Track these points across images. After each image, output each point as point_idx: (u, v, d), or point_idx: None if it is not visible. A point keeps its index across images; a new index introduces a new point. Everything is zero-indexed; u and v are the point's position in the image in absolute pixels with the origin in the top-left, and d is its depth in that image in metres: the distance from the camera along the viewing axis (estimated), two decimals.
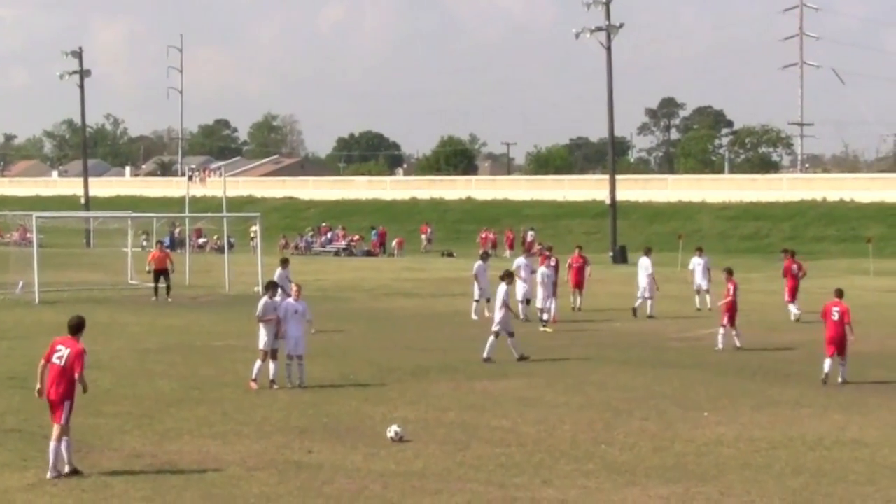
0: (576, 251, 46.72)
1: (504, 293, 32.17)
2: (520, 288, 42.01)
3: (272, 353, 26.97)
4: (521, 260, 44.61)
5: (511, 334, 31.94)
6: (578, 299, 45.42)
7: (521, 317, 41.34)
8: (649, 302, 43.72)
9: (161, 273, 49.89)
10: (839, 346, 28.59)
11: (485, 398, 25.54)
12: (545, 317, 39.71)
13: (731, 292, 34.39)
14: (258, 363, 26.86)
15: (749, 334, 35.50)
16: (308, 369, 27.26)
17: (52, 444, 18.26)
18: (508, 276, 33.28)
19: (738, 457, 19.98)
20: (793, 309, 42.16)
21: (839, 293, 29.67)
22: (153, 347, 33.93)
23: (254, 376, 26.77)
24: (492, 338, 31.74)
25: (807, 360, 32.17)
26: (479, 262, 43.34)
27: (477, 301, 42.76)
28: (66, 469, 18.34)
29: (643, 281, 44.15)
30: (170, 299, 48.90)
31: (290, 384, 26.75)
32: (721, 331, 34.24)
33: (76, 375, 18.32)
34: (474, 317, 42.23)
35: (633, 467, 19.18)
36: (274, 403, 24.70)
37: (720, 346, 34.05)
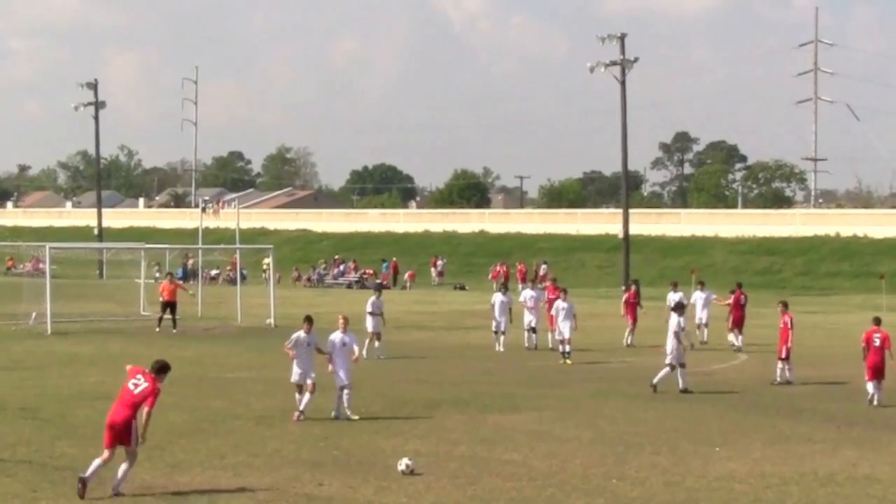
0: (632, 287, 47.42)
1: (676, 324, 32.71)
2: (526, 316, 43.86)
3: (311, 387, 26.83)
4: (528, 291, 45.36)
5: (682, 365, 32.56)
6: (631, 336, 45.97)
7: (528, 344, 43.59)
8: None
9: (169, 305, 50.08)
10: (880, 371, 30.45)
11: (496, 432, 25.50)
12: (567, 349, 39.75)
13: (789, 326, 34.59)
14: (297, 396, 26.87)
15: (763, 369, 35.44)
16: (319, 402, 27.21)
17: (125, 466, 18.97)
18: (680, 308, 33.85)
19: (750, 492, 19.91)
20: (732, 339, 44.26)
21: (878, 321, 31.49)
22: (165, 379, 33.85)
23: (301, 407, 26.78)
24: (666, 369, 32.42)
25: (818, 396, 32.18)
26: (497, 294, 43.99)
27: (495, 332, 43.54)
28: (113, 491, 18.96)
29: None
30: (174, 331, 48.95)
31: (343, 415, 26.72)
32: (780, 365, 34.50)
33: (146, 409, 18.95)
34: (500, 349, 43.15)
35: (645, 502, 19.12)
36: (285, 436, 24.68)
37: (778, 379, 34.36)
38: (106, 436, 18.98)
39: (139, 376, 19.30)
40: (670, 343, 32.67)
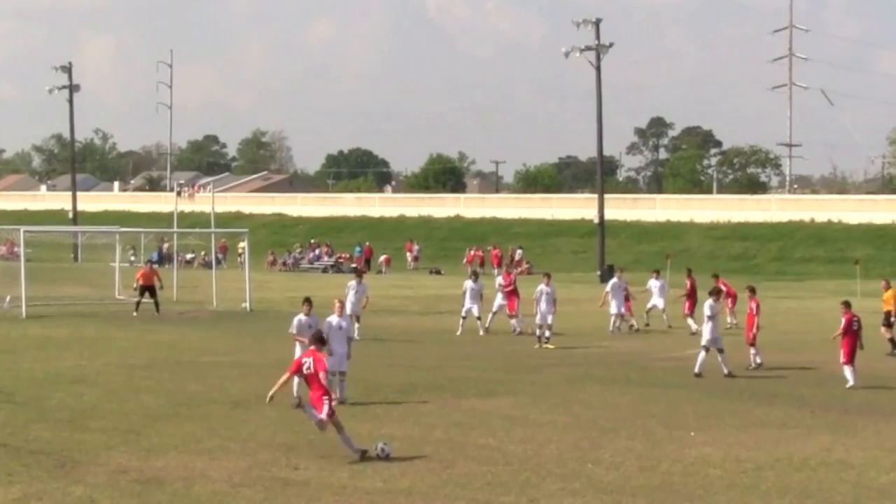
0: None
1: (710, 308, 33.18)
2: (497, 300, 44.69)
3: None
4: (501, 278, 45.90)
5: (721, 350, 32.94)
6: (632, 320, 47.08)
7: (489, 325, 44.11)
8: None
9: (147, 289, 50.15)
10: (855, 354, 31.22)
11: (471, 416, 25.52)
12: (547, 334, 40.02)
13: (755, 311, 34.80)
14: (296, 380, 26.74)
15: (736, 355, 35.57)
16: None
17: (340, 437, 20.84)
18: (717, 293, 34.29)
19: (725, 477, 19.97)
20: (691, 323, 44.82)
21: (849, 304, 32.17)
22: (140, 363, 33.86)
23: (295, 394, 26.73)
24: (702, 353, 32.82)
25: (792, 381, 32.30)
26: (468, 281, 44.28)
27: (463, 318, 43.87)
28: (356, 454, 20.69)
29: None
30: (157, 314, 49.07)
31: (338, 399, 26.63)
32: (752, 350, 34.62)
33: (321, 374, 20.84)
34: (480, 332, 43.68)
35: (620, 487, 19.16)
36: (261, 420, 24.66)
37: (753, 364, 34.64)
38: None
39: (305, 360, 21.31)
40: (707, 328, 33.02)
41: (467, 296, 43.89)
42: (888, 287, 40.92)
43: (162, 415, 25.12)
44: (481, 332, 43.34)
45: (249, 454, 21.09)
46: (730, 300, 46.44)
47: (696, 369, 32.64)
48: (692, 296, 45.87)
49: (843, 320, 31.66)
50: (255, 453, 21.17)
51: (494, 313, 44.68)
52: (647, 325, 47.51)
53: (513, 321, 44.41)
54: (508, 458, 21.12)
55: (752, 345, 34.71)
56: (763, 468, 20.69)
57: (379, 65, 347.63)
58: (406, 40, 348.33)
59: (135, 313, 49.40)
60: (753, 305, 35.07)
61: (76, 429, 23.04)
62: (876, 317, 39.66)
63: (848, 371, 31.24)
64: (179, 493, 18.29)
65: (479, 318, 43.75)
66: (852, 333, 31.38)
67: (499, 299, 44.70)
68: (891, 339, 39.13)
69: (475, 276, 45.67)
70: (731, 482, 19.64)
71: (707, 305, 33.54)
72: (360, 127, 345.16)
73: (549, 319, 40.14)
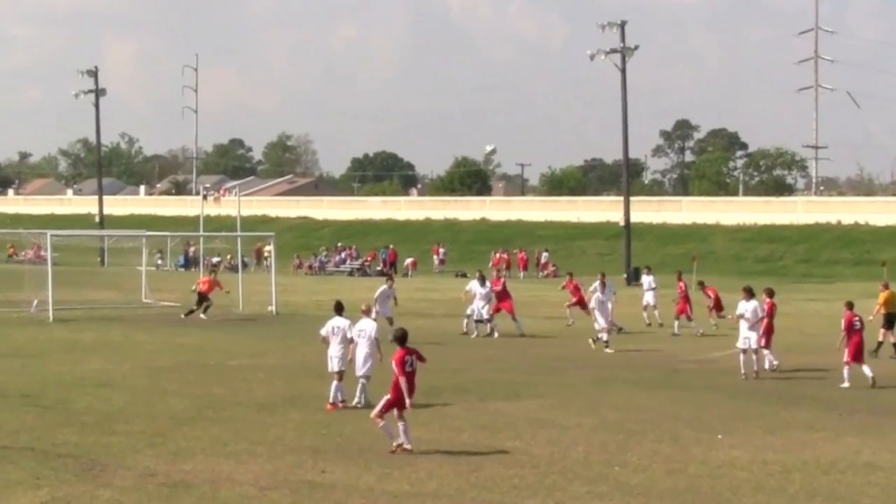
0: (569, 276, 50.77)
1: (740, 307, 33.54)
2: (476, 306, 45.09)
3: (340, 375, 26.78)
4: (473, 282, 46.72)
5: (754, 351, 33.24)
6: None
7: (473, 333, 44.56)
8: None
9: (204, 297, 50.53)
10: (862, 353, 31.63)
11: (498, 419, 25.50)
12: (605, 337, 39.93)
13: (768, 312, 34.66)
14: (335, 384, 26.74)
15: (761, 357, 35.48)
16: (319, 389, 27.25)
17: (402, 424, 21.48)
18: (749, 293, 34.17)
19: (752, 480, 19.90)
20: (686, 324, 45.76)
21: (852, 305, 32.51)
22: (166, 366, 33.94)
23: (331, 400, 26.68)
24: (741, 356, 33.09)
25: (820, 384, 32.17)
26: (474, 282, 45.73)
27: (468, 315, 45.27)
28: (407, 445, 21.45)
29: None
30: (185, 316, 49.37)
31: (360, 404, 26.52)
32: (765, 352, 34.56)
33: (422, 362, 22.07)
34: (464, 331, 44.92)
35: (647, 489, 19.11)
36: (287, 423, 24.68)
37: (775, 363, 34.53)
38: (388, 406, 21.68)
39: (407, 357, 21.74)
40: (741, 328, 33.24)
41: (476, 298, 44.73)
42: (886, 287, 40.76)
43: (188, 418, 25.16)
44: (494, 334, 43.82)
45: (276, 457, 21.10)
46: (713, 304, 46.49)
47: (742, 370, 32.87)
48: (685, 299, 45.91)
49: (843, 321, 31.77)
50: (282, 456, 21.18)
51: (489, 319, 44.99)
52: (649, 324, 48.82)
53: (515, 322, 45.41)
54: (535, 461, 21.09)
55: (766, 347, 34.48)
56: (790, 471, 20.62)
57: (403, 67, 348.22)
58: (429, 42, 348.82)
59: (182, 316, 49.67)
60: (767, 307, 34.82)
61: (103, 432, 23.08)
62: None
63: (846, 371, 31.37)
64: (206, 496, 18.30)
65: (489, 320, 44.54)
66: (855, 333, 31.52)
67: (477, 302, 45.22)
68: (893, 343, 38.80)
69: (482, 279, 45.86)
70: (759, 485, 19.57)
71: (739, 305, 33.72)
72: (385, 130, 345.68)
73: (603, 323, 40.14)
